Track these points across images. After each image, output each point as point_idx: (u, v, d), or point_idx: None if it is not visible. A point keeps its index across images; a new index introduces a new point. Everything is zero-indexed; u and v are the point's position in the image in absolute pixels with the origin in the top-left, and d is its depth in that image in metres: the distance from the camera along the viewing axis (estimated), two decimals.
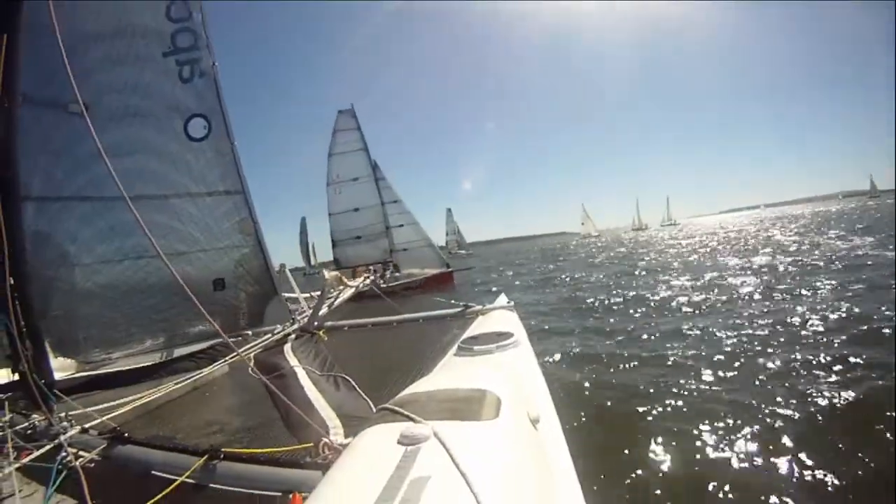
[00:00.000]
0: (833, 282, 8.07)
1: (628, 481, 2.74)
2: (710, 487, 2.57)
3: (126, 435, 1.35)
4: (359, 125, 17.52)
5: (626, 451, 3.05)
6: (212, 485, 1.14)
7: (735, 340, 5.35)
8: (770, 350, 4.81)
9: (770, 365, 4.37)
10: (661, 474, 2.80)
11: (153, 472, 1.20)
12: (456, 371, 1.45)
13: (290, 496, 1.01)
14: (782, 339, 5.16)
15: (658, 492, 2.61)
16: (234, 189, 2.52)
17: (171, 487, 1.09)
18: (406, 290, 15.86)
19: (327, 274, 2.98)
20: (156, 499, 1.05)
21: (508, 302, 2.85)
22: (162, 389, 1.80)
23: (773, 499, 2.45)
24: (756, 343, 5.13)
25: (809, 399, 3.59)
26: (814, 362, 4.28)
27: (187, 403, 1.85)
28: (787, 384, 3.86)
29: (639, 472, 2.84)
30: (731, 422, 3.25)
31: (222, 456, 1.19)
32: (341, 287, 3.16)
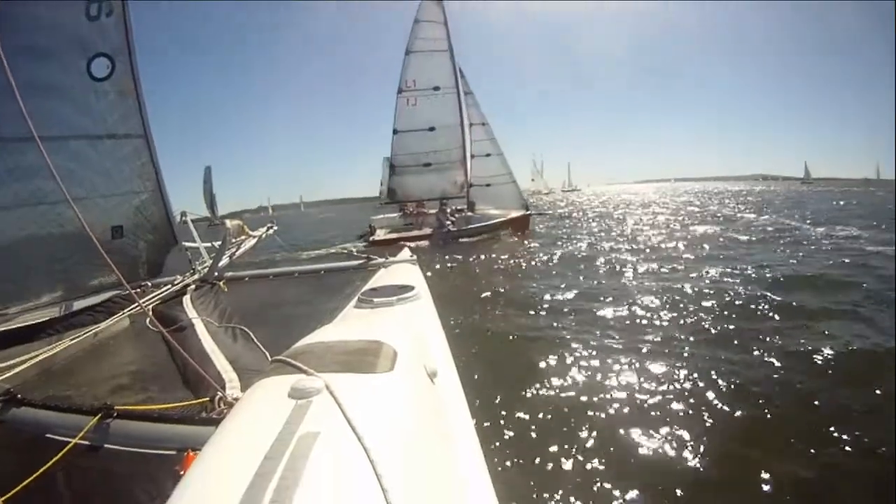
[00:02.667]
0: None
1: (528, 433, 3.02)
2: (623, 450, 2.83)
3: (20, 397, 1.34)
4: (446, 17, 15.46)
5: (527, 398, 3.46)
6: (106, 445, 1.16)
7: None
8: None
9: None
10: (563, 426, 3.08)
11: (48, 434, 1.20)
12: (354, 323, 1.55)
13: (185, 454, 1.04)
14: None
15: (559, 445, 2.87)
16: (135, 132, 2.62)
17: (63, 451, 1.10)
18: (482, 235, 14.69)
19: (229, 223, 3.04)
20: (48, 464, 1.06)
21: (411, 256, 2.98)
22: (59, 346, 1.80)
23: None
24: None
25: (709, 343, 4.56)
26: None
27: (86, 360, 1.85)
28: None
29: (538, 425, 3.13)
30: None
31: (115, 414, 1.19)
32: (243, 237, 3.23)
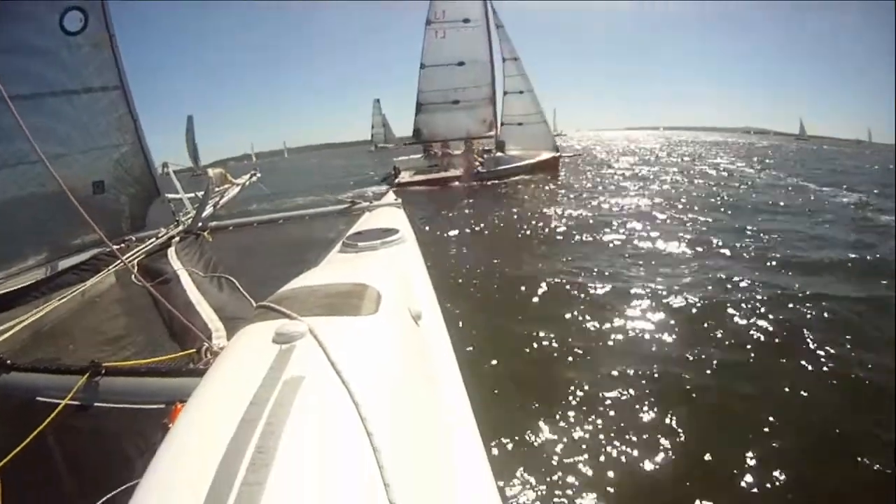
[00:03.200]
0: None
1: (511, 370, 3.11)
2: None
3: (9, 362, 1.33)
4: None
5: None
6: (96, 404, 1.17)
7: None
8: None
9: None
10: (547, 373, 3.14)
11: (38, 398, 1.21)
12: (338, 267, 1.54)
13: (173, 406, 1.03)
14: None
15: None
16: (111, 85, 2.61)
17: (54, 413, 1.11)
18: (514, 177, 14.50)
19: (211, 171, 2.96)
20: (40, 427, 1.08)
21: (396, 199, 2.96)
22: (46, 308, 1.80)
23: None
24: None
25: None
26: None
27: (74, 320, 1.87)
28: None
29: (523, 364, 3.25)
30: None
31: (104, 372, 1.20)
32: (227, 185, 3.18)
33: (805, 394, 2.86)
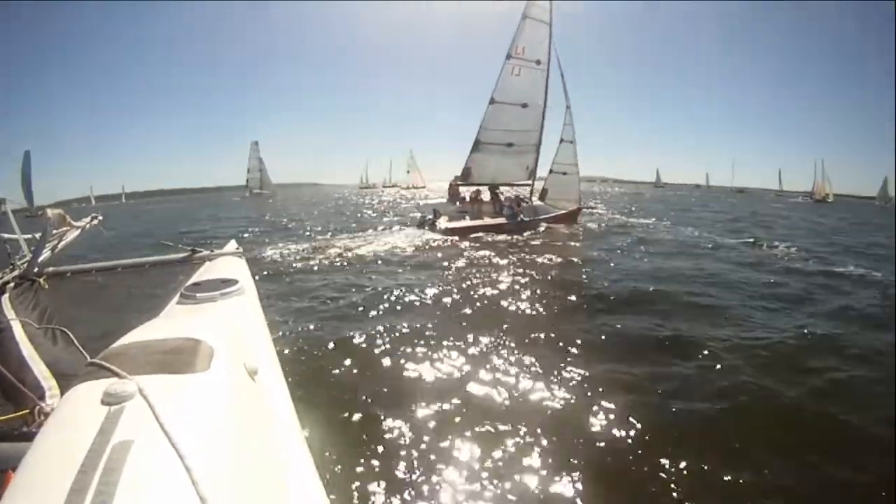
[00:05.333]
0: None
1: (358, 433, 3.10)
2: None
3: None
4: None
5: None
6: None
7: None
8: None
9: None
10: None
11: None
12: (175, 320, 1.51)
13: (5, 474, 0.97)
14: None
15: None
16: None
17: None
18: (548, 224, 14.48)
19: (50, 212, 2.72)
20: None
21: (237, 248, 3.00)
22: None
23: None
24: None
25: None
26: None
27: None
28: None
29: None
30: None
31: None
32: (66, 227, 3.01)
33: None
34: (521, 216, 14.37)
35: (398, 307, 5.93)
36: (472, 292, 6.63)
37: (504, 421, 3.15)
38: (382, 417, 3.14)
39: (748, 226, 18.96)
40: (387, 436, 2.98)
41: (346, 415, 3.18)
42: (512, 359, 4.17)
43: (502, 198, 15.35)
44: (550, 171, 15.36)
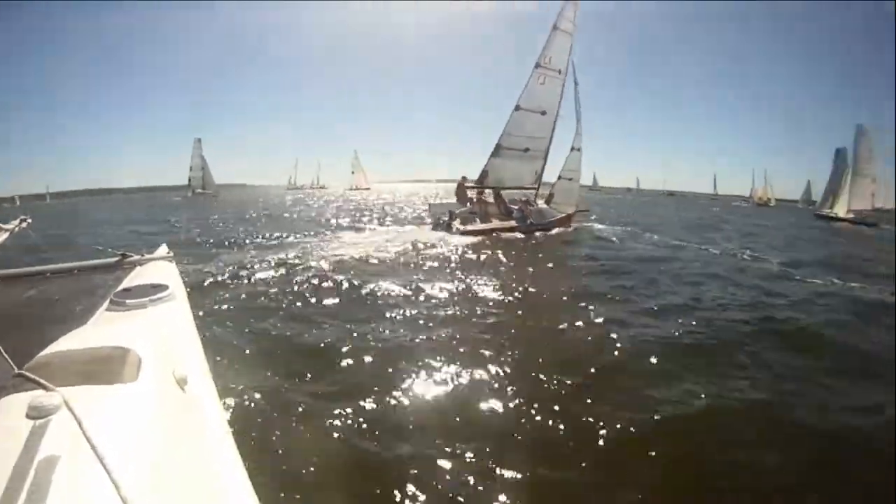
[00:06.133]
0: None
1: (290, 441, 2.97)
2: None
3: None
4: None
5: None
6: None
7: None
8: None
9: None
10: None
11: None
12: (104, 327, 1.47)
13: None
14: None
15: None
16: None
17: None
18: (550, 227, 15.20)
19: None
20: None
21: (168, 252, 2.91)
22: None
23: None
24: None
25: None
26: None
27: None
28: None
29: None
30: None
31: None
32: None
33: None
34: (530, 219, 14.95)
35: (353, 310, 5.66)
36: (426, 293, 6.58)
37: (452, 428, 3.08)
38: (320, 425, 3.03)
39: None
40: (324, 444, 2.86)
41: (282, 422, 3.06)
42: (456, 358, 4.13)
43: (509, 200, 15.85)
44: (559, 178, 15.94)
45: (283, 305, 5.88)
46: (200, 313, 4.88)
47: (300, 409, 3.23)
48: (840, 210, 37.09)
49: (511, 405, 3.43)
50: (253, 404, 3.22)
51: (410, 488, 2.51)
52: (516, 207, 15.14)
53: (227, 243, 11.85)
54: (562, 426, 3.18)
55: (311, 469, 2.63)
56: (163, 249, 2.98)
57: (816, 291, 7.86)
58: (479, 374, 3.91)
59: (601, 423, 3.17)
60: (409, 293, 6.53)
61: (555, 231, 14.90)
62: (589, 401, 3.50)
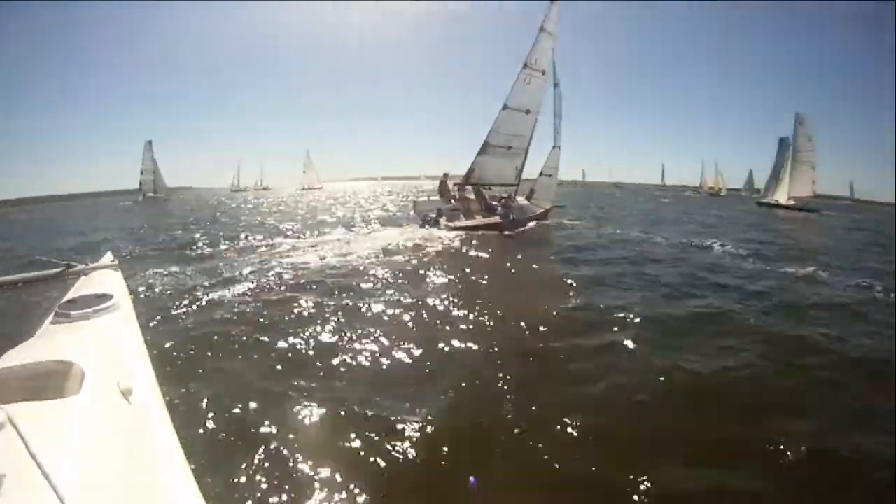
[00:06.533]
0: None
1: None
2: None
3: None
4: None
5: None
6: None
7: None
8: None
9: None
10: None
11: None
12: (48, 340, 1.48)
13: None
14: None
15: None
16: None
17: None
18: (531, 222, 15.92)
19: None
20: None
21: (112, 260, 2.86)
22: None
23: None
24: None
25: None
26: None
27: None
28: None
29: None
30: None
31: None
32: None
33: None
34: (512, 215, 15.40)
35: (308, 315, 5.36)
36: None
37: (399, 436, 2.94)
38: (271, 433, 2.92)
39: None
40: (275, 452, 2.76)
41: (232, 430, 2.94)
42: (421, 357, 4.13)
43: (489, 196, 16.20)
44: (541, 174, 16.54)
45: (244, 312, 5.47)
46: (148, 322, 4.71)
47: (253, 417, 3.08)
48: (781, 197, 38.76)
49: None
50: (202, 412, 3.08)
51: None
52: (496, 203, 15.55)
53: (181, 248, 11.27)
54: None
55: (263, 477, 2.55)
56: (107, 258, 2.89)
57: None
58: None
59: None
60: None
61: (533, 224, 15.58)
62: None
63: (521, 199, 16.58)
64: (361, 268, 8.07)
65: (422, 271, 7.83)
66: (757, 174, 68.35)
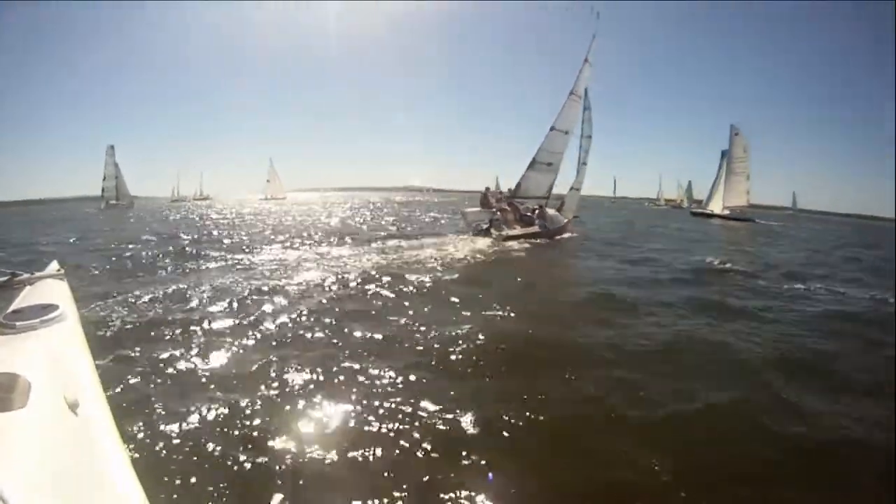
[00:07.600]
0: None
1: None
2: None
3: None
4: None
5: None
6: None
7: None
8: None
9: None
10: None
11: None
12: None
13: None
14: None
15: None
16: None
17: None
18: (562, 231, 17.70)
19: None
20: None
21: (59, 269, 2.78)
22: None
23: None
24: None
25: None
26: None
27: None
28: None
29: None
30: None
31: None
32: None
33: None
34: (548, 225, 17.13)
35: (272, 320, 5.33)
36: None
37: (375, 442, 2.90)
38: (225, 446, 2.84)
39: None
40: (230, 465, 2.70)
41: (184, 444, 2.85)
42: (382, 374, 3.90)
43: (522, 208, 17.82)
44: (571, 188, 18.44)
45: (208, 324, 5.21)
46: (96, 332, 4.64)
47: (204, 429, 3.02)
48: (715, 207, 40.42)
49: None
50: (151, 425, 3.02)
51: None
52: (530, 214, 17.20)
53: (135, 259, 10.73)
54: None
55: (214, 490, 2.51)
56: (53, 266, 2.84)
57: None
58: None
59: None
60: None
61: (566, 235, 17.35)
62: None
63: (550, 211, 18.34)
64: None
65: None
66: (696, 185, 71.80)
